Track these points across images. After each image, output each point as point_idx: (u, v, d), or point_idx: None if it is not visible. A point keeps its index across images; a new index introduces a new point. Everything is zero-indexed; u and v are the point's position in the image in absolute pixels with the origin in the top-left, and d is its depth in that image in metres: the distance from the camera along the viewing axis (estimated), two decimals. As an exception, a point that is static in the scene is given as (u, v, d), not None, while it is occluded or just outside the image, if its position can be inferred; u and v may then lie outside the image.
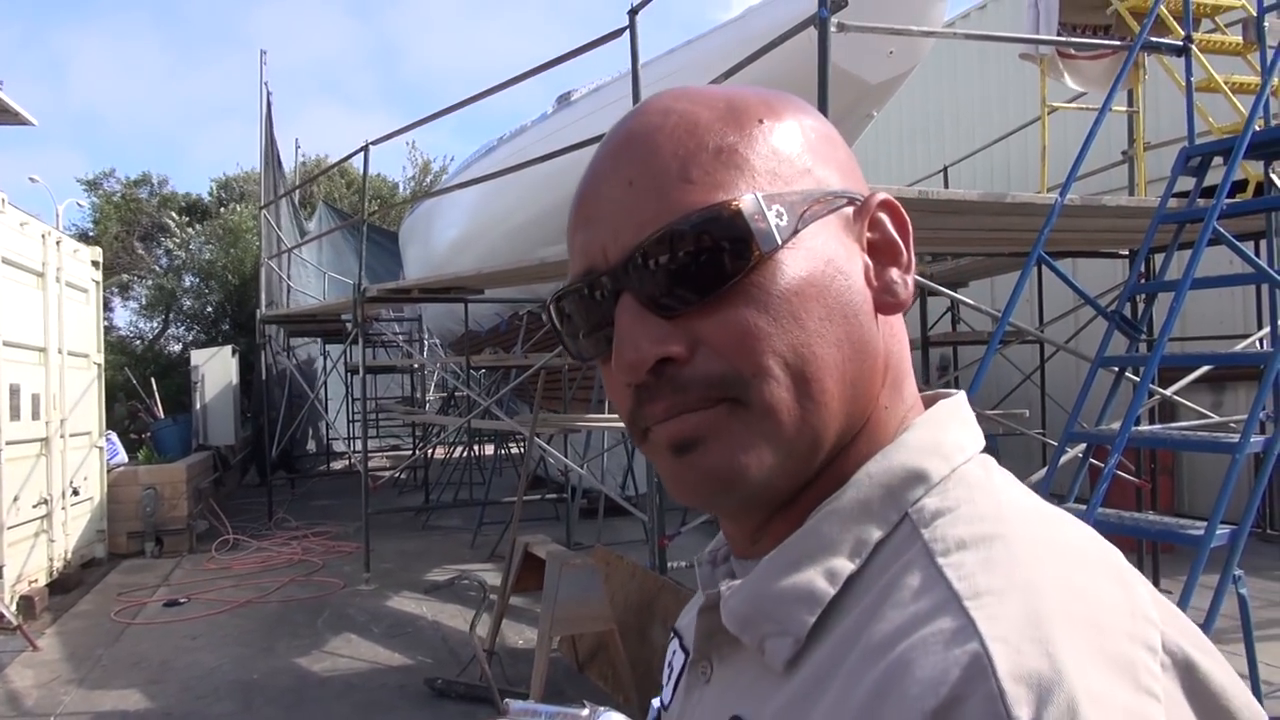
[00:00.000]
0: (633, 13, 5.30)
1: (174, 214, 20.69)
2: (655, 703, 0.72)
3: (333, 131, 61.33)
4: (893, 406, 0.58)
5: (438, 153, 45.07)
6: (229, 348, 13.00)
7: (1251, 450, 3.36)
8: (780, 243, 0.53)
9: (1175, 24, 5.26)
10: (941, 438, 0.56)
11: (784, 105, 0.58)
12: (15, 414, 6.93)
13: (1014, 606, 0.44)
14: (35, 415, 7.36)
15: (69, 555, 7.88)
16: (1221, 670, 0.46)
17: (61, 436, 7.82)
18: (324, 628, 6.28)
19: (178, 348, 19.77)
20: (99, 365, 9.06)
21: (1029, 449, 8.69)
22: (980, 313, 5.34)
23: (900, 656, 0.45)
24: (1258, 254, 5.15)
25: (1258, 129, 4.09)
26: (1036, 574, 0.46)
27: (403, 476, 12.37)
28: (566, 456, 8.41)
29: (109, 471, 9.11)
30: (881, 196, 0.59)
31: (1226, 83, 5.37)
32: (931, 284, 5.02)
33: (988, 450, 0.59)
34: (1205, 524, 3.22)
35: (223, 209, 20.59)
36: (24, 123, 9.51)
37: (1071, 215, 4.73)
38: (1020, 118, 8.85)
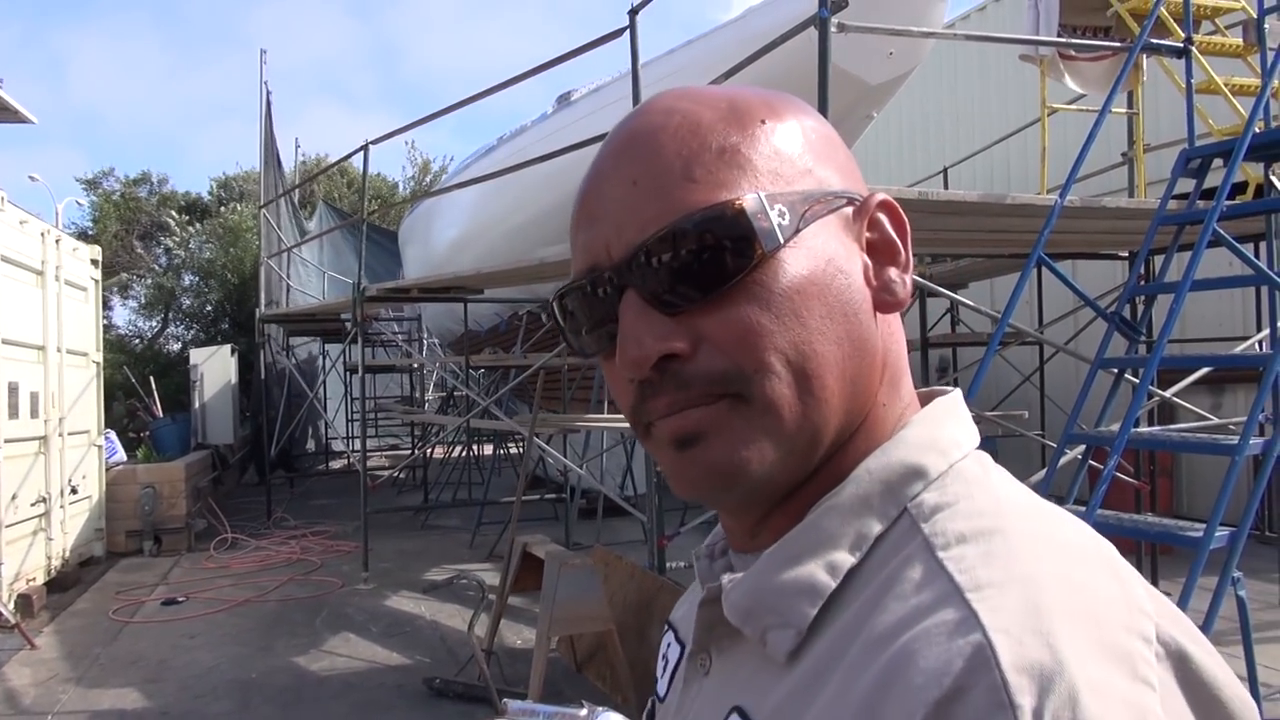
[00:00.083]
0: (633, 13, 5.30)
1: (174, 213, 20.68)
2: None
3: (333, 131, 61.37)
4: (890, 404, 0.59)
5: (437, 152, 45.11)
6: (228, 347, 12.99)
7: (1251, 452, 3.36)
8: (782, 242, 0.54)
9: (1175, 26, 5.26)
10: (939, 434, 0.57)
11: (785, 106, 0.59)
12: (14, 412, 6.92)
13: (1014, 599, 0.45)
14: (34, 413, 7.36)
15: (67, 554, 7.87)
16: (1213, 661, 0.47)
17: (60, 435, 7.82)
18: (322, 627, 6.28)
19: (177, 347, 19.77)
20: (98, 364, 9.06)
21: (1028, 450, 8.69)
22: (980, 314, 5.33)
23: (903, 647, 0.45)
24: (1257, 256, 5.15)
25: (1258, 131, 4.09)
26: (1035, 568, 0.47)
27: (401, 476, 12.37)
28: (565, 456, 8.40)
29: (107, 470, 9.10)
30: (880, 197, 0.60)
31: (1226, 84, 5.37)
32: (931, 285, 5.02)
33: (987, 452, 0.59)
34: (1204, 526, 3.22)
35: (223, 208, 20.58)
36: (24, 121, 9.52)
37: (1071, 217, 4.73)
38: (1020, 119, 8.85)
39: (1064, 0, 6.00)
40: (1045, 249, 4.20)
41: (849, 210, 0.58)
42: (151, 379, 12.43)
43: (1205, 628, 3.00)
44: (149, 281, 20.45)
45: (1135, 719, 0.42)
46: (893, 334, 0.59)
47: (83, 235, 18.08)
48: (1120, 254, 7.39)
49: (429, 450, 12.68)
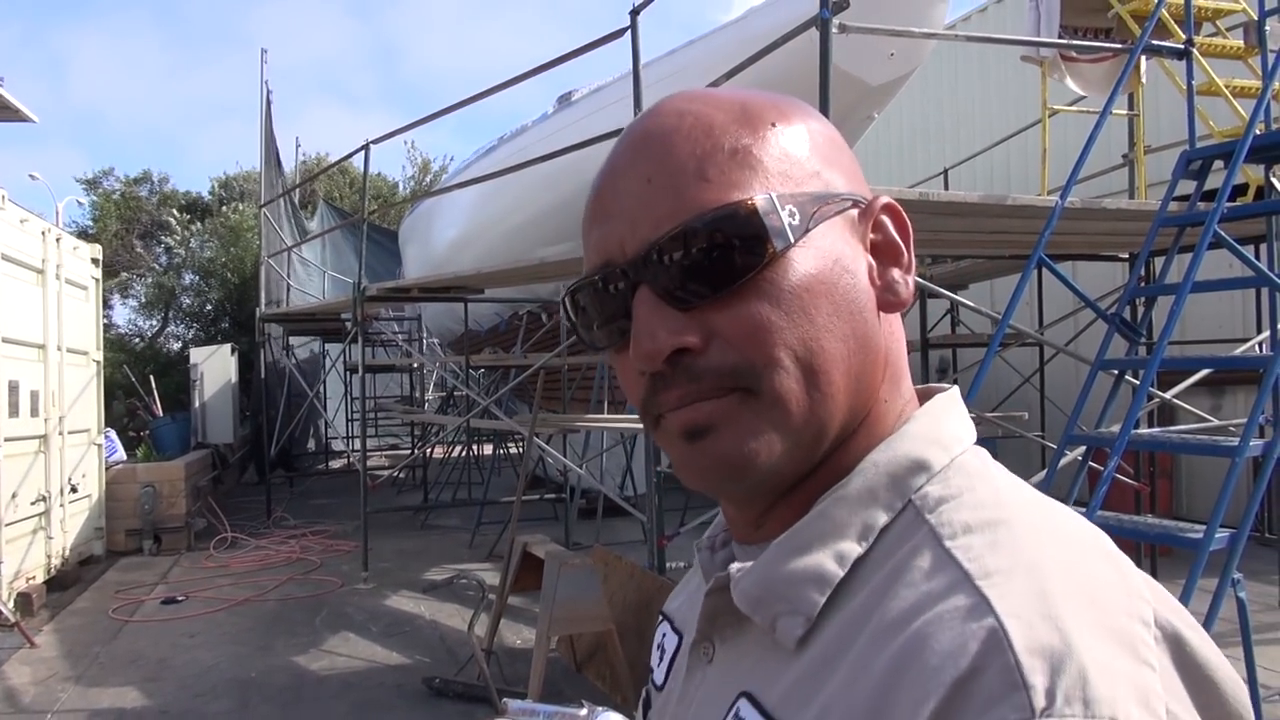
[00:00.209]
0: (634, 13, 5.30)
1: (175, 211, 20.68)
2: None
3: (333, 131, 61.42)
4: (891, 400, 0.60)
5: (437, 152, 45.12)
6: (228, 346, 12.99)
7: (1251, 454, 3.37)
8: (793, 241, 0.55)
9: (1176, 27, 5.26)
10: (940, 430, 0.59)
11: (793, 110, 0.60)
12: (14, 411, 6.92)
13: (1022, 586, 0.47)
14: (34, 412, 7.36)
15: (67, 552, 7.87)
16: (1206, 644, 0.49)
17: (60, 434, 7.82)
18: (322, 626, 6.28)
19: (177, 346, 19.77)
20: (98, 363, 9.06)
21: (1028, 451, 8.69)
22: (980, 315, 5.34)
23: (917, 632, 0.47)
24: (1258, 258, 5.15)
25: (1259, 133, 4.09)
26: (1039, 556, 0.49)
27: (401, 476, 12.37)
28: (565, 456, 8.41)
29: (107, 469, 9.10)
30: (884, 200, 0.62)
31: (1227, 86, 5.37)
32: (931, 286, 5.02)
33: (986, 451, 0.61)
34: (1204, 527, 3.23)
35: (224, 207, 20.58)
36: (24, 120, 9.52)
37: (1072, 218, 4.73)
38: (1020, 120, 8.85)
39: (1065, 1, 6.00)
40: (1046, 250, 4.20)
41: (854, 212, 0.60)
42: (151, 378, 12.44)
43: (1205, 629, 2.99)
44: (149, 280, 20.45)
45: (1139, 698, 0.44)
46: (894, 333, 0.61)
47: (83, 234, 18.08)
48: (1121, 255, 7.39)
49: (429, 450, 12.69)
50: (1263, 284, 4.52)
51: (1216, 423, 5.40)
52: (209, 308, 19.47)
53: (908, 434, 0.58)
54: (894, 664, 0.47)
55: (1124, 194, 6.86)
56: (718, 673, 0.61)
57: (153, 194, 22.59)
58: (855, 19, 4.02)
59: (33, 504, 7.24)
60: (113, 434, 9.94)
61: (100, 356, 9.15)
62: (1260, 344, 5.58)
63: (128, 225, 21.31)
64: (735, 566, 0.59)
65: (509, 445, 12.35)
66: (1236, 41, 5.84)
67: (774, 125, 0.58)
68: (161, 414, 11.65)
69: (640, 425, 6.25)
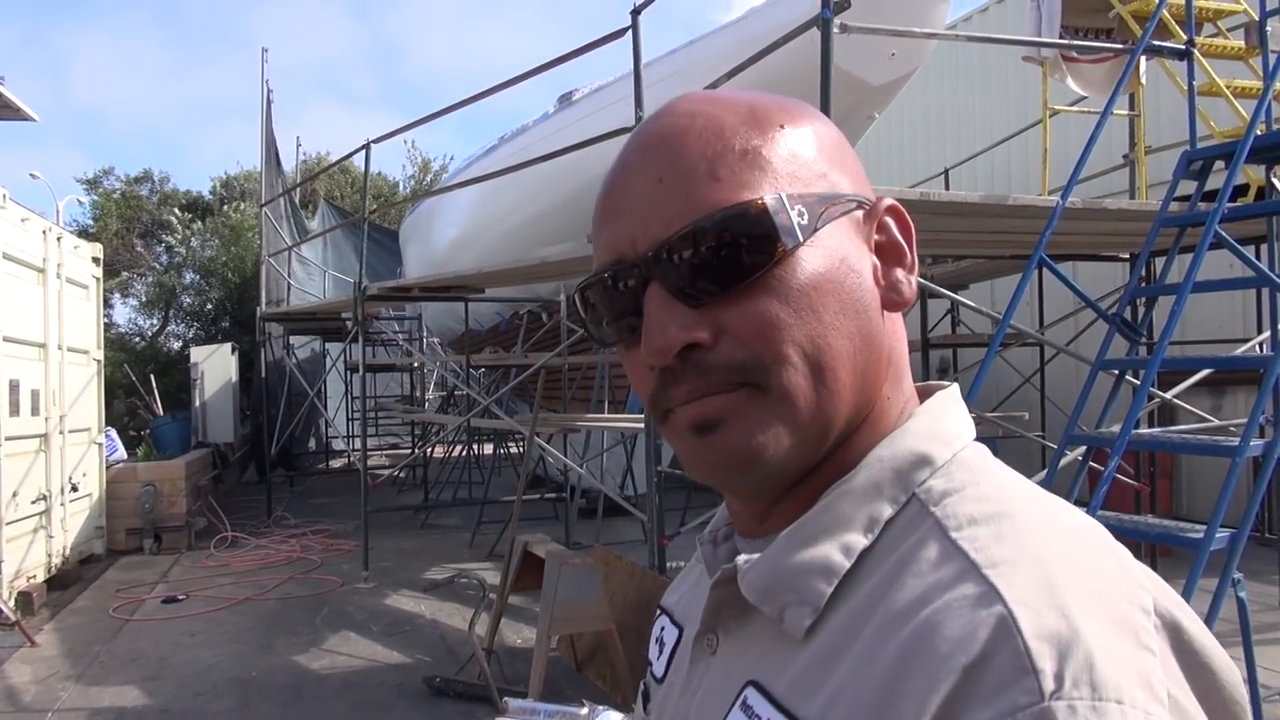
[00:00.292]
0: (635, 12, 5.30)
1: (177, 210, 20.68)
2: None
3: (333, 130, 61.41)
4: (894, 397, 0.62)
5: (437, 152, 45.14)
6: (229, 345, 13.00)
7: (1251, 454, 3.36)
8: (801, 240, 0.57)
9: (1177, 28, 5.26)
10: (942, 426, 0.61)
11: (801, 112, 0.62)
12: (15, 410, 6.93)
13: (1028, 575, 0.49)
14: (35, 411, 7.36)
15: (67, 551, 7.88)
16: (1203, 632, 0.51)
17: (61, 432, 7.82)
18: (322, 625, 6.28)
19: (177, 345, 19.78)
20: (98, 361, 9.06)
21: (1028, 451, 8.69)
22: (980, 315, 5.34)
23: (927, 619, 0.49)
24: (1258, 258, 5.15)
25: (1259, 133, 4.09)
26: (1043, 547, 0.51)
27: (402, 475, 12.37)
28: (566, 456, 8.41)
29: (108, 468, 9.10)
30: (888, 202, 0.63)
31: (1228, 87, 5.37)
32: (932, 285, 5.02)
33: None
34: (1204, 527, 3.23)
35: (224, 206, 20.59)
36: (26, 119, 9.52)
37: (1073, 218, 4.73)
38: (1021, 121, 8.85)
39: (1066, 2, 6.00)
40: (1047, 250, 4.20)
41: (859, 213, 0.61)
42: (152, 377, 12.45)
43: (1205, 629, 2.99)
44: (150, 280, 20.46)
45: (1142, 682, 0.46)
46: (896, 332, 0.63)
47: (83, 233, 18.08)
48: (1121, 256, 7.39)
49: (429, 449, 12.68)
50: (1263, 284, 4.51)
51: (1217, 423, 5.41)
52: (209, 307, 19.48)
53: (910, 430, 0.60)
54: (904, 651, 0.49)
55: (1125, 194, 6.86)
56: (722, 664, 0.62)
57: (153, 193, 22.60)
58: (856, 19, 4.02)
59: (33, 503, 7.24)
60: (113, 433, 9.95)
61: (101, 355, 9.15)
62: (1260, 344, 5.58)
63: (128, 224, 21.32)
64: (743, 558, 0.60)
65: (509, 445, 12.35)
66: (1237, 42, 5.84)
67: (782, 127, 0.59)
68: (162, 413, 11.66)
69: (640, 425, 6.26)
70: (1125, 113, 6.49)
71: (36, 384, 7.41)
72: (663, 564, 5.08)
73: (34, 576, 7.18)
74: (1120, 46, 5.92)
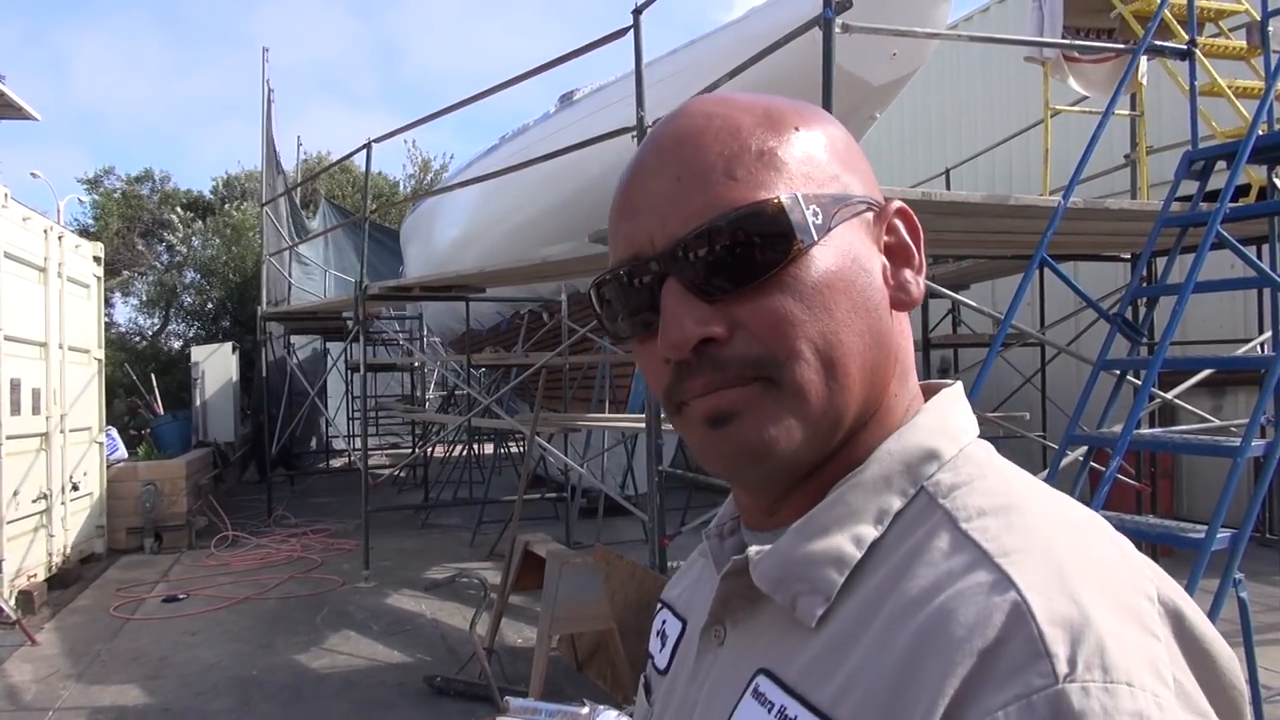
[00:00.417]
0: (637, 12, 5.29)
1: (178, 209, 20.69)
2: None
3: (334, 130, 61.43)
4: (900, 395, 0.64)
5: (438, 151, 45.10)
6: (229, 344, 13.01)
7: (1252, 454, 3.36)
8: (815, 239, 0.58)
9: (1179, 28, 5.26)
10: (948, 422, 0.63)
11: (814, 115, 0.64)
12: (16, 409, 6.92)
13: (1038, 563, 0.51)
14: (35, 410, 7.36)
15: (68, 550, 7.88)
16: (1204, 621, 0.53)
17: (61, 432, 7.82)
18: (323, 625, 6.28)
19: (178, 344, 19.79)
20: (99, 361, 9.06)
21: (1029, 452, 8.68)
22: (981, 315, 5.33)
23: (941, 606, 0.51)
24: (1259, 258, 5.15)
25: (1261, 133, 4.08)
26: (1051, 537, 0.53)
27: (402, 474, 12.37)
28: (566, 455, 8.41)
29: (109, 467, 9.10)
30: (897, 204, 0.65)
31: (1230, 87, 5.36)
32: (933, 285, 5.01)
33: None
34: (1206, 528, 3.22)
35: (225, 205, 20.59)
36: (27, 118, 9.52)
37: (1074, 218, 4.73)
38: (1021, 121, 8.84)
39: (1068, 2, 6.00)
40: (1048, 250, 4.20)
41: (870, 215, 0.63)
42: (153, 376, 12.45)
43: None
44: (150, 279, 20.47)
45: (1149, 666, 0.48)
46: (903, 332, 0.64)
47: (84, 232, 18.09)
48: (1123, 256, 7.39)
49: (430, 449, 12.69)
50: (1264, 284, 4.51)
51: (1218, 423, 5.40)
52: (210, 306, 19.50)
53: (918, 425, 0.61)
54: (919, 637, 0.50)
55: (1126, 194, 6.86)
56: (730, 654, 0.63)
57: (154, 193, 22.60)
58: (858, 19, 4.02)
59: (34, 502, 7.24)
60: (114, 432, 9.95)
61: (102, 355, 9.15)
62: (1262, 344, 5.58)
63: (129, 224, 21.32)
64: (754, 549, 0.61)
65: (510, 444, 12.35)
66: (1239, 42, 5.84)
67: (797, 129, 0.61)
68: (162, 412, 11.66)
69: (641, 425, 6.26)
70: (1127, 113, 6.48)
71: (37, 383, 7.42)
72: (664, 563, 5.08)
73: (35, 575, 7.18)
74: (1122, 46, 5.92)
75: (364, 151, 8.43)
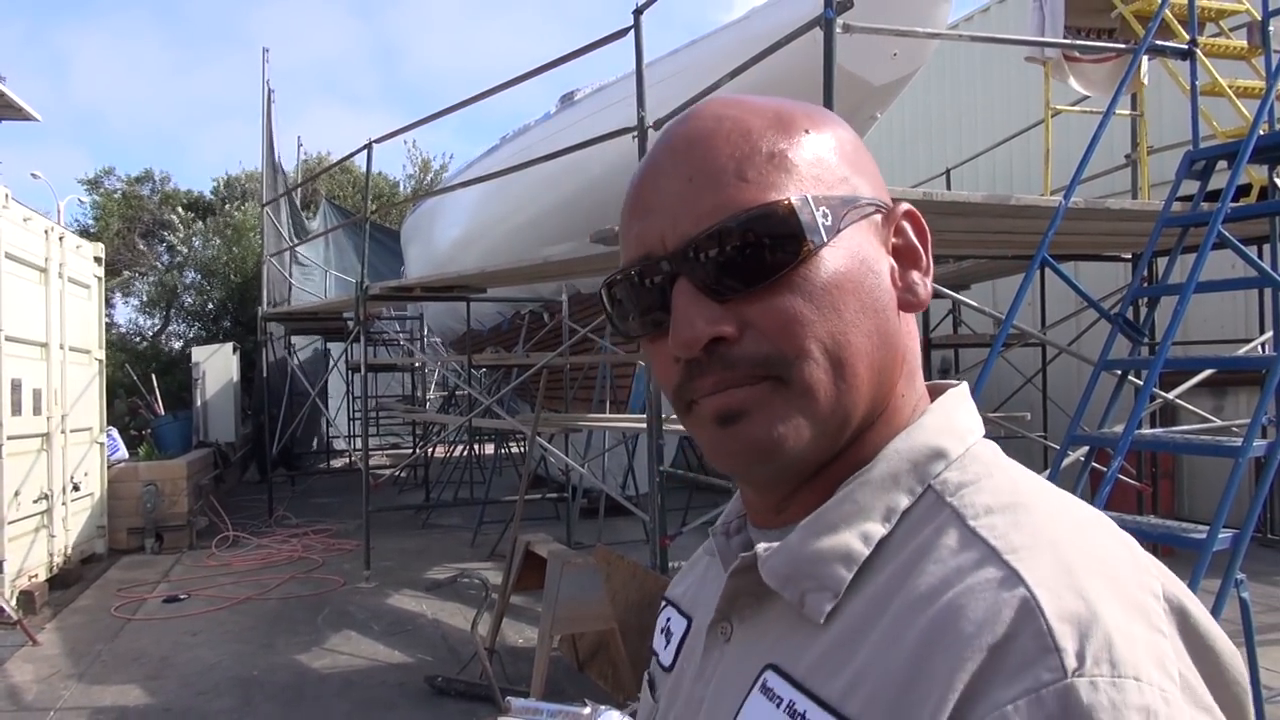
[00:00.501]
0: (638, 12, 5.29)
1: (180, 208, 20.69)
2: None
3: (335, 130, 61.45)
4: (907, 395, 0.65)
5: (438, 151, 45.11)
6: (230, 345, 13.01)
7: (1254, 454, 3.36)
8: (825, 240, 0.59)
9: (1180, 28, 5.26)
10: (954, 422, 0.63)
11: (824, 118, 0.65)
12: (17, 409, 6.93)
13: (1046, 560, 0.52)
14: (37, 410, 7.37)
15: (69, 550, 7.88)
16: (1207, 618, 0.54)
17: (62, 432, 7.82)
18: (324, 625, 6.28)
19: (179, 345, 19.79)
20: (100, 361, 9.06)
21: (1030, 452, 8.68)
22: (982, 315, 5.33)
23: (950, 602, 0.51)
24: (1261, 258, 5.15)
25: (1262, 133, 4.08)
26: (1058, 535, 0.54)
27: (403, 475, 12.37)
28: (567, 456, 8.41)
29: (109, 467, 9.10)
30: (905, 207, 0.66)
31: (1231, 87, 5.36)
32: (934, 285, 4.99)
33: None
34: (1207, 528, 3.22)
35: (226, 205, 20.59)
36: (28, 118, 9.53)
37: (1075, 218, 4.72)
38: (1022, 121, 8.84)
39: (1069, 2, 6.00)
40: (1049, 250, 4.20)
41: (878, 217, 0.64)
42: (153, 376, 12.45)
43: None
44: (151, 279, 20.47)
45: (1156, 661, 0.49)
46: (910, 333, 0.65)
47: (85, 233, 18.10)
48: (1124, 256, 7.38)
49: (430, 449, 12.69)
50: (1266, 284, 4.51)
51: (1219, 423, 5.40)
52: (211, 307, 19.50)
53: (925, 425, 0.62)
54: (928, 632, 0.51)
55: (1127, 194, 6.86)
56: (736, 651, 0.64)
57: (154, 193, 22.60)
58: (859, 19, 4.02)
59: (35, 502, 7.25)
60: (115, 432, 9.95)
61: (102, 355, 9.16)
62: (1263, 344, 5.58)
63: (129, 224, 21.32)
64: (762, 546, 0.62)
65: (510, 445, 12.35)
66: (1240, 42, 5.84)
67: (807, 132, 0.62)
68: (163, 412, 11.66)
69: (642, 425, 6.26)
70: (1127, 113, 6.48)
71: (38, 383, 7.42)
72: (665, 564, 5.08)
73: (36, 576, 7.18)
74: (1123, 46, 5.92)
75: (364, 152, 8.44)
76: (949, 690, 0.48)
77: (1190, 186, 4.31)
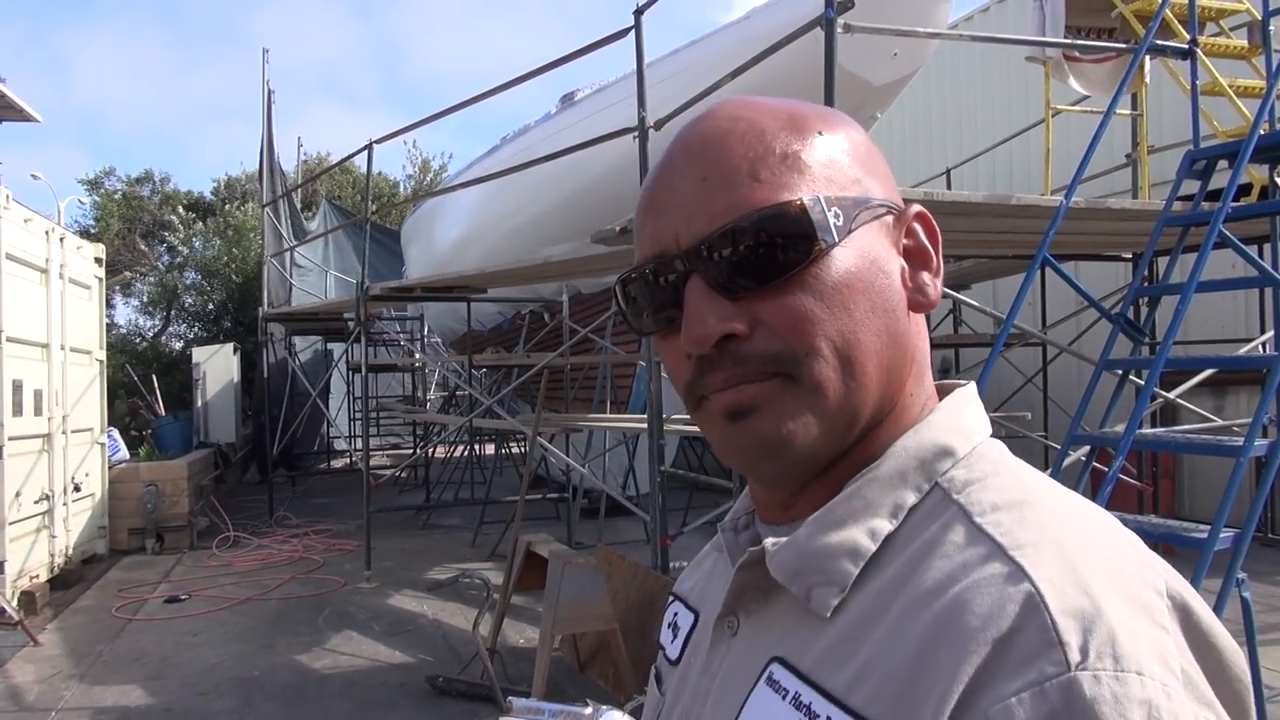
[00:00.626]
0: (638, 13, 5.29)
1: (180, 209, 20.68)
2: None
3: (335, 131, 61.46)
4: (916, 394, 0.65)
5: (438, 151, 45.09)
6: (231, 345, 13.01)
7: (1255, 454, 3.36)
8: (837, 240, 0.60)
9: (1180, 27, 5.26)
10: (961, 421, 0.64)
11: (836, 120, 0.66)
12: (18, 410, 6.93)
13: (1051, 557, 0.52)
14: (38, 411, 7.37)
15: (70, 551, 7.88)
16: (1209, 614, 0.55)
17: (64, 433, 7.83)
18: (325, 625, 6.28)
19: (179, 345, 19.79)
20: (101, 362, 9.07)
21: (1031, 452, 8.66)
22: (982, 314, 5.33)
23: (956, 597, 0.52)
24: (1261, 258, 5.15)
25: (1263, 133, 4.08)
26: (1063, 532, 0.55)
27: (403, 475, 12.37)
28: (568, 456, 8.41)
29: (110, 468, 9.11)
30: (916, 208, 0.67)
31: (1231, 86, 5.36)
32: (935, 286, 5.01)
33: None
34: (1208, 528, 3.22)
35: (226, 206, 20.59)
36: (28, 119, 9.53)
37: (1076, 218, 4.72)
38: (1022, 120, 8.84)
39: (1069, 1, 6.00)
40: (1049, 250, 4.20)
41: (889, 218, 0.65)
42: (154, 377, 12.46)
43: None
44: (151, 280, 20.47)
45: (1159, 656, 0.49)
46: (919, 333, 0.66)
47: (85, 233, 18.10)
48: (1124, 255, 7.38)
49: (431, 449, 12.70)
50: (1267, 284, 4.51)
51: (1220, 423, 5.40)
52: (211, 307, 19.49)
53: (933, 424, 0.63)
54: (934, 626, 0.52)
55: (1127, 194, 6.85)
56: (743, 644, 0.65)
57: (154, 194, 22.59)
58: (859, 19, 4.01)
59: (36, 503, 7.25)
60: (115, 433, 9.96)
61: (103, 356, 9.16)
62: (1264, 344, 5.57)
63: (129, 225, 21.32)
64: (770, 541, 0.63)
65: (511, 445, 12.36)
66: (1240, 41, 5.84)
67: (820, 133, 0.63)
68: (164, 413, 11.67)
69: (643, 425, 6.26)
70: (1128, 112, 6.48)
71: (39, 384, 7.42)
72: (665, 564, 5.08)
73: (37, 576, 7.19)
74: (1123, 46, 5.92)
75: (365, 152, 8.44)
76: (954, 682, 0.49)
77: (1191, 186, 4.31)
